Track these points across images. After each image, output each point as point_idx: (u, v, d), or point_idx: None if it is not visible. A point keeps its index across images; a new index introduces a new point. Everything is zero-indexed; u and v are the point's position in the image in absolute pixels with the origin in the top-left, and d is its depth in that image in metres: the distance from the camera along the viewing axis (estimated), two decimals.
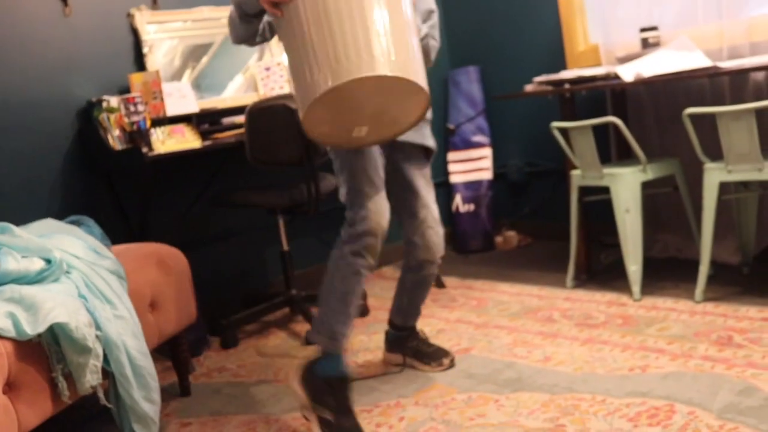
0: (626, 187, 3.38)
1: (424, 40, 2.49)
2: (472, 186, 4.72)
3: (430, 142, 2.74)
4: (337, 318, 2.48)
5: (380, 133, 2.29)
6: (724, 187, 3.23)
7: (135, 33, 3.77)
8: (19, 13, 3.46)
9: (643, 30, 3.69)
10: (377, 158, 2.55)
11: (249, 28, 2.48)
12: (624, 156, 3.85)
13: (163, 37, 3.84)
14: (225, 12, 3.97)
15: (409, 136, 2.61)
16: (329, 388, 2.45)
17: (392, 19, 2.11)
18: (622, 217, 3.40)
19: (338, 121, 2.19)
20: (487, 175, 4.71)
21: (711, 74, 3.19)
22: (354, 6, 2.07)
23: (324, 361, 2.49)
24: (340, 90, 2.03)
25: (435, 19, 2.59)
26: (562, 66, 4.24)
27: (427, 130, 2.73)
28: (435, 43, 2.60)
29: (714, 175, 3.15)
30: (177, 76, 3.87)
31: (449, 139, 4.76)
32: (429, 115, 2.73)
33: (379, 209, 2.49)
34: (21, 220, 3.18)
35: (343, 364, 2.50)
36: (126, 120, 3.37)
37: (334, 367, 2.48)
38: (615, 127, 3.71)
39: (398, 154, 2.69)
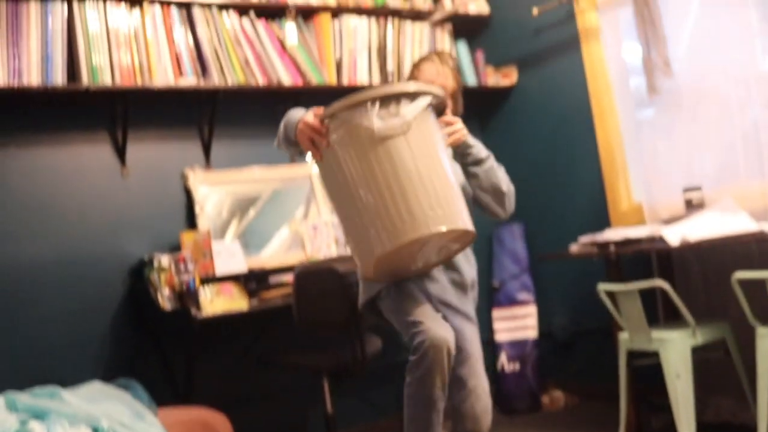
0: (676, 352, 3.32)
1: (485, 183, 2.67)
2: (517, 344, 4.67)
3: (473, 315, 2.77)
4: None
5: (430, 261, 2.52)
6: None
7: (188, 192, 3.89)
8: (80, 172, 3.62)
9: (686, 190, 3.72)
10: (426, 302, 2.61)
11: (292, 150, 2.57)
12: (671, 316, 3.80)
13: (213, 191, 3.96)
14: (275, 172, 4.11)
15: (457, 302, 2.69)
16: None
17: (435, 170, 2.30)
18: (672, 382, 3.32)
19: (394, 264, 2.40)
20: (533, 333, 4.66)
21: (757, 239, 3.18)
22: (397, 163, 2.24)
23: None
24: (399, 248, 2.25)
25: (490, 163, 2.70)
26: (605, 223, 4.26)
27: (470, 305, 2.77)
28: (503, 177, 2.72)
29: (766, 341, 3.08)
30: (224, 226, 3.96)
31: (494, 296, 4.75)
32: (473, 276, 2.78)
33: (438, 327, 2.48)
34: (70, 377, 3.23)
35: None
36: (176, 279, 3.44)
37: None
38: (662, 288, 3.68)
39: (449, 313, 2.68)
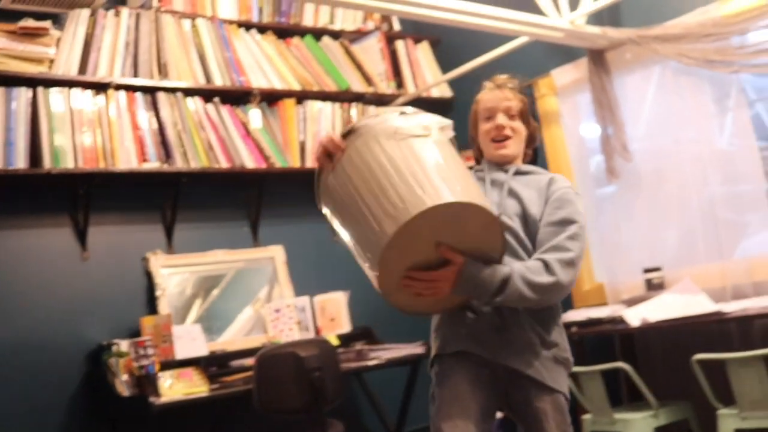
0: None
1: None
2: None
3: (546, 377, 2.14)
4: None
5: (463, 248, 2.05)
6: None
7: (149, 276, 3.86)
8: (39, 255, 3.59)
9: (646, 271, 3.76)
10: (477, 407, 2.12)
11: None
12: (635, 398, 3.78)
13: (176, 272, 3.94)
14: (238, 255, 4.11)
15: (524, 366, 2.13)
16: None
17: (443, 158, 2.04)
18: None
19: (408, 258, 2.01)
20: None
21: (716, 320, 3.21)
22: (417, 152, 2.01)
23: None
24: (406, 233, 1.90)
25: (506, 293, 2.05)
26: (567, 305, 4.27)
27: (549, 364, 2.16)
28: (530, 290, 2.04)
29: (728, 422, 3.09)
30: (187, 307, 3.93)
31: None
32: (561, 352, 2.20)
33: None
34: None
35: None
36: (135, 364, 3.38)
37: None
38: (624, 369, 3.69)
39: (516, 392, 2.16)
